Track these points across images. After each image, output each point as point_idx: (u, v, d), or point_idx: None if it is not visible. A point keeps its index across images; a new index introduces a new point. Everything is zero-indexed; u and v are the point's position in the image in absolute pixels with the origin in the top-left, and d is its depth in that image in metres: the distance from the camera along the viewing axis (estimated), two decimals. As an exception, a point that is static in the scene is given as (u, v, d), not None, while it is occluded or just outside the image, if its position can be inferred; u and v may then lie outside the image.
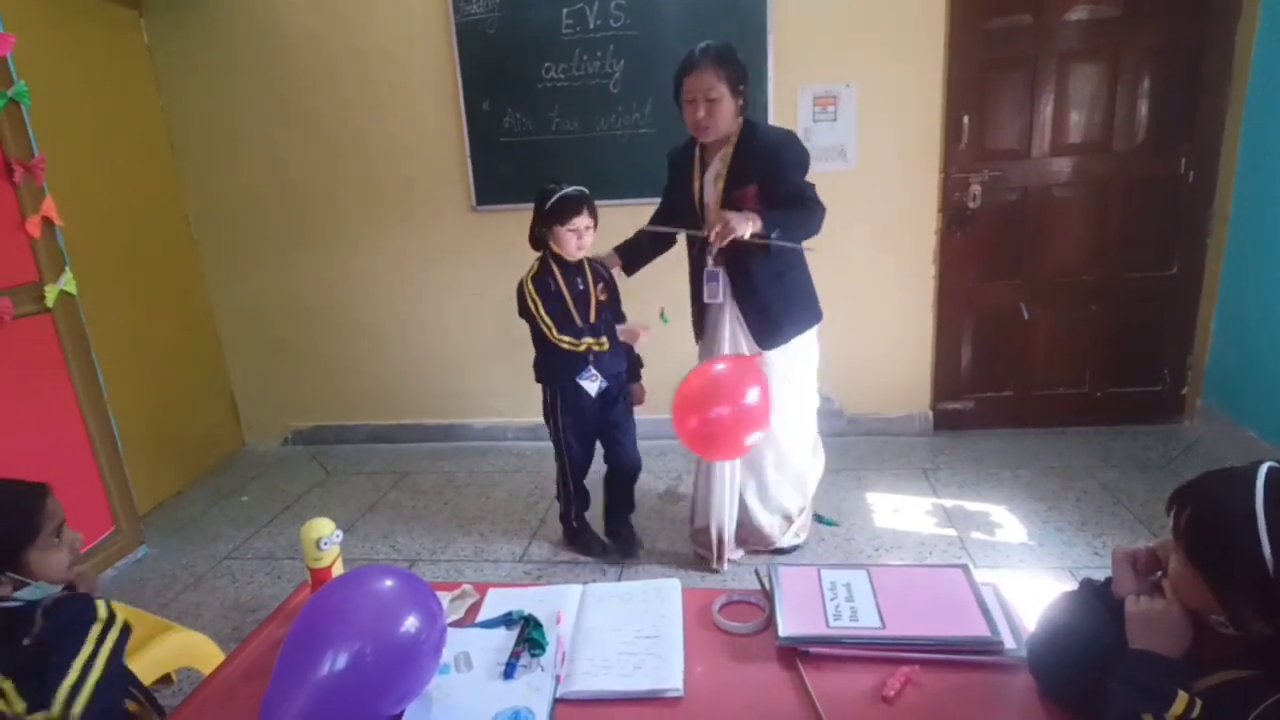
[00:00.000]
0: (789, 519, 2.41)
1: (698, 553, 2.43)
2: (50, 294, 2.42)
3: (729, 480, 2.28)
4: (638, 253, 2.41)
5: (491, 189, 3.28)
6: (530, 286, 2.22)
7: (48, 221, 2.42)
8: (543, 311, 2.20)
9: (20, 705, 1.00)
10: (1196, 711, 0.81)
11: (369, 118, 3.28)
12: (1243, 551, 0.80)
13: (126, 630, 1.16)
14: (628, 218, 3.18)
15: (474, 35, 3.10)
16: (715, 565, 2.35)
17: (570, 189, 2.16)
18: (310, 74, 3.26)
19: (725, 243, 1.95)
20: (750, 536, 2.41)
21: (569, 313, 2.22)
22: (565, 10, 3.03)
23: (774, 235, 1.98)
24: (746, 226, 1.94)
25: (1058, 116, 3.02)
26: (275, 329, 3.61)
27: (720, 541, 2.32)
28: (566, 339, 2.20)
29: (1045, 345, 3.27)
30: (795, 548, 2.44)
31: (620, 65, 3.05)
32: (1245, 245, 2.95)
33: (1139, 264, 3.14)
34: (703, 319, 2.31)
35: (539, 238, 2.23)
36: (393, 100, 3.25)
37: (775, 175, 2.03)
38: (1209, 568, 0.84)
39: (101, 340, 2.65)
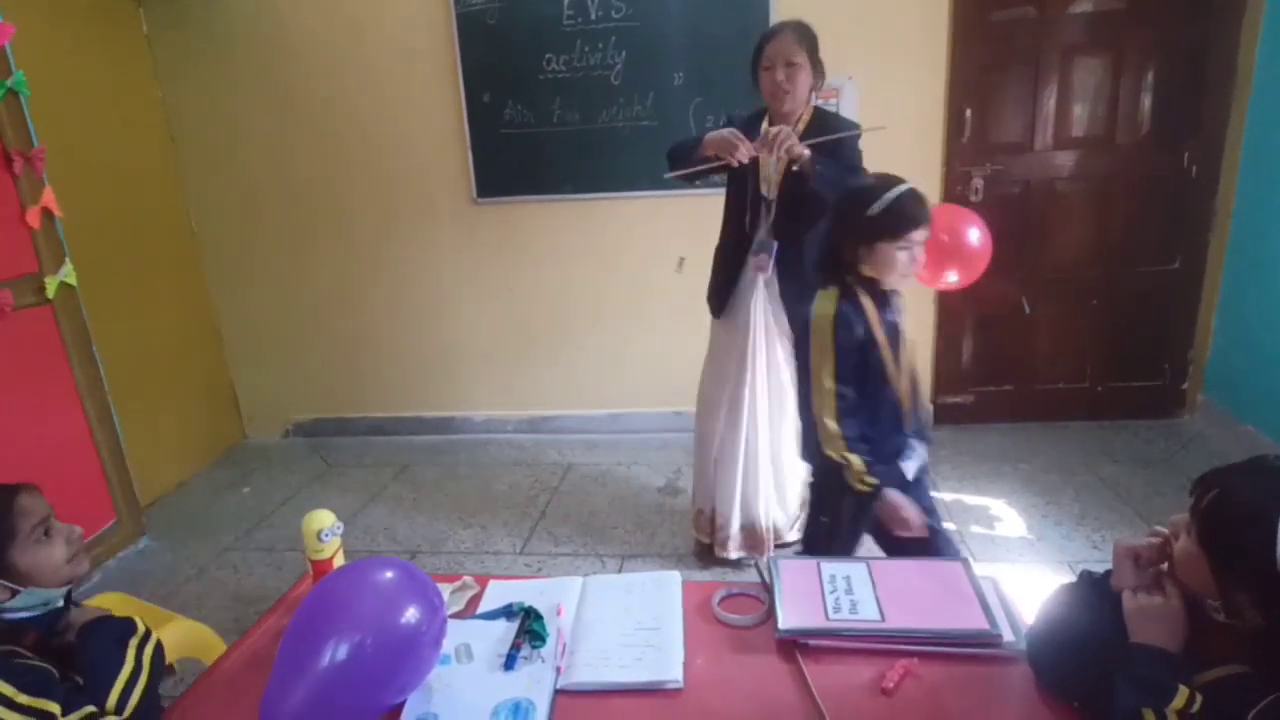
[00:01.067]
0: (792, 515, 2.41)
1: (741, 559, 2.34)
2: (51, 285, 2.42)
3: (760, 471, 2.27)
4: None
5: (492, 181, 3.27)
6: (829, 333, 1.51)
7: (47, 213, 2.42)
8: (826, 376, 1.51)
9: (55, 707, 0.98)
10: (1197, 706, 0.81)
11: (369, 109, 3.27)
12: (1254, 543, 0.80)
13: (160, 644, 1.17)
14: (630, 211, 3.20)
15: (475, 26, 3.08)
16: (768, 554, 2.31)
17: (903, 187, 1.47)
18: (310, 65, 3.24)
19: (783, 150, 1.89)
20: (752, 539, 2.34)
21: (880, 368, 1.53)
22: (566, 1, 3.01)
23: (819, 169, 1.92)
24: (801, 148, 1.90)
25: (1061, 110, 3.01)
26: (276, 321, 3.61)
27: (766, 530, 2.31)
28: (858, 464, 1.50)
29: (1046, 340, 3.27)
30: (796, 542, 2.43)
31: (622, 57, 3.04)
32: (1247, 241, 2.95)
33: (1141, 259, 3.14)
34: (727, 293, 2.21)
35: (844, 262, 1.54)
36: (393, 92, 3.24)
37: (839, 153, 2.01)
38: (1218, 551, 0.84)
39: (102, 332, 2.65)
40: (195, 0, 3.20)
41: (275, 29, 3.21)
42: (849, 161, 2.05)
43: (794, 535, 2.42)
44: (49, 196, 2.41)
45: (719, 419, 2.29)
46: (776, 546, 2.40)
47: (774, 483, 2.33)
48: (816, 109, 2.11)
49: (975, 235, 2.26)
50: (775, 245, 2.09)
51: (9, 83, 2.29)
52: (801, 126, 2.06)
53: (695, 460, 2.45)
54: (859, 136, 2.09)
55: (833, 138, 1.98)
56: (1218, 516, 0.85)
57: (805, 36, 2.03)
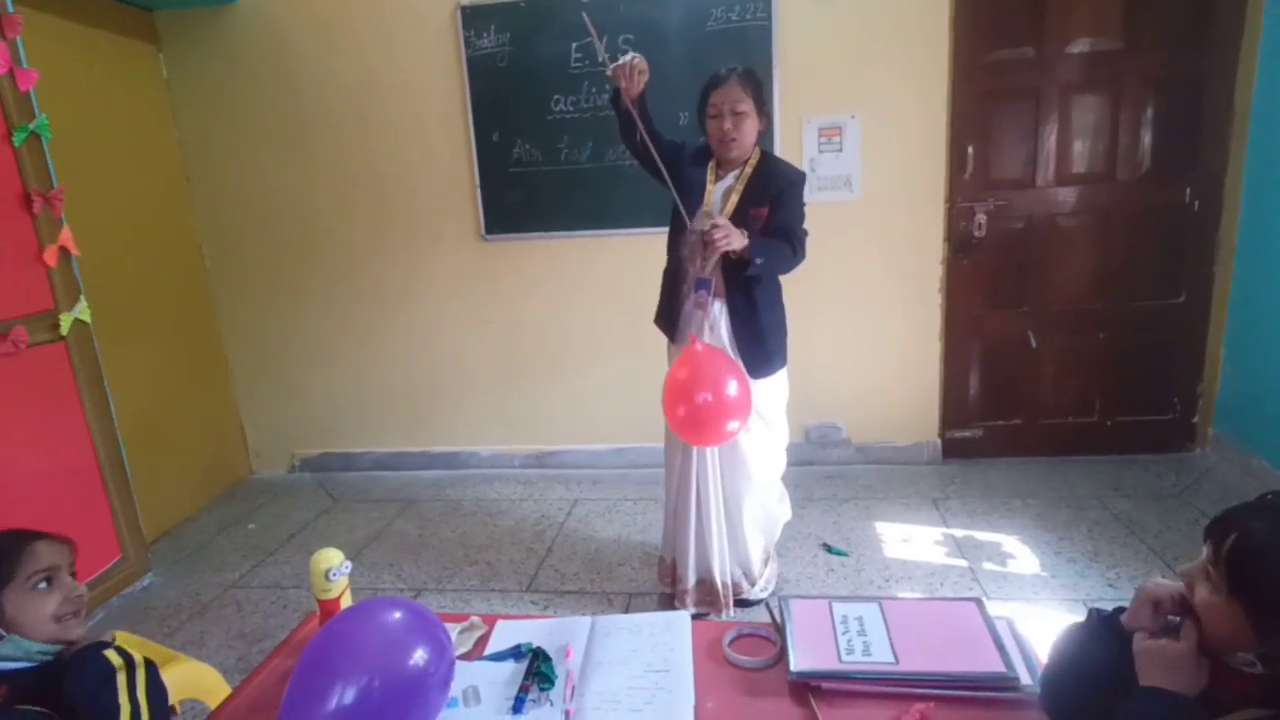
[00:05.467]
0: (751, 571, 2.28)
1: (698, 613, 2.22)
2: (65, 322, 2.45)
3: (716, 524, 2.18)
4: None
5: (500, 218, 3.32)
6: None
7: (65, 251, 2.46)
8: None
9: None
10: None
11: (381, 149, 3.34)
12: None
13: (151, 666, 1.13)
14: (637, 248, 3.23)
15: (484, 68, 3.16)
16: (726, 612, 2.22)
17: None
18: (323, 107, 3.32)
19: (720, 246, 1.92)
20: (708, 595, 2.24)
21: None
22: (574, 44, 3.09)
23: (758, 262, 1.97)
24: (741, 241, 1.94)
25: (1061, 147, 3.05)
26: (284, 357, 3.64)
27: (725, 587, 2.22)
28: None
29: (1053, 373, 3.26)
30: (759, 601, 2.30)
31: (642, 90, 3.09)
32: (1252, 273, 2.96)
33: (1146, 292, 3.14)
34: (674, 320, 2.20)
35: None
36: (404, 132, 3.31)
37: (783, 205, 2.05)
38: (1256, 599, 0.80)
39: (113, 368, 2.67)
40: (214, 45, 3.30)
41: (290, 72, 3.30)
42: (793, 209, 2.07)
43: (757, 594, 2.29)
44: (67, 236, 2.46)
45: (676, 467, 2.22)
46: (737, 604, 2.26)
47: (728, 537, 2.22)
48: (763, 154, 2.12)
49: (735, 386, 1.94)
50: (713, 281, 2.06)
51: (31, 126, 2.35)
52: (750, 169, 2.08)
53: (664, 507, 2.38)
54: (803, 184, 2.11)
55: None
56: (1247, 562, 0.81)
57: (751, 83, 2.04)
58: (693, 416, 1.90)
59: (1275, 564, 0.80)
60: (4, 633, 1.05)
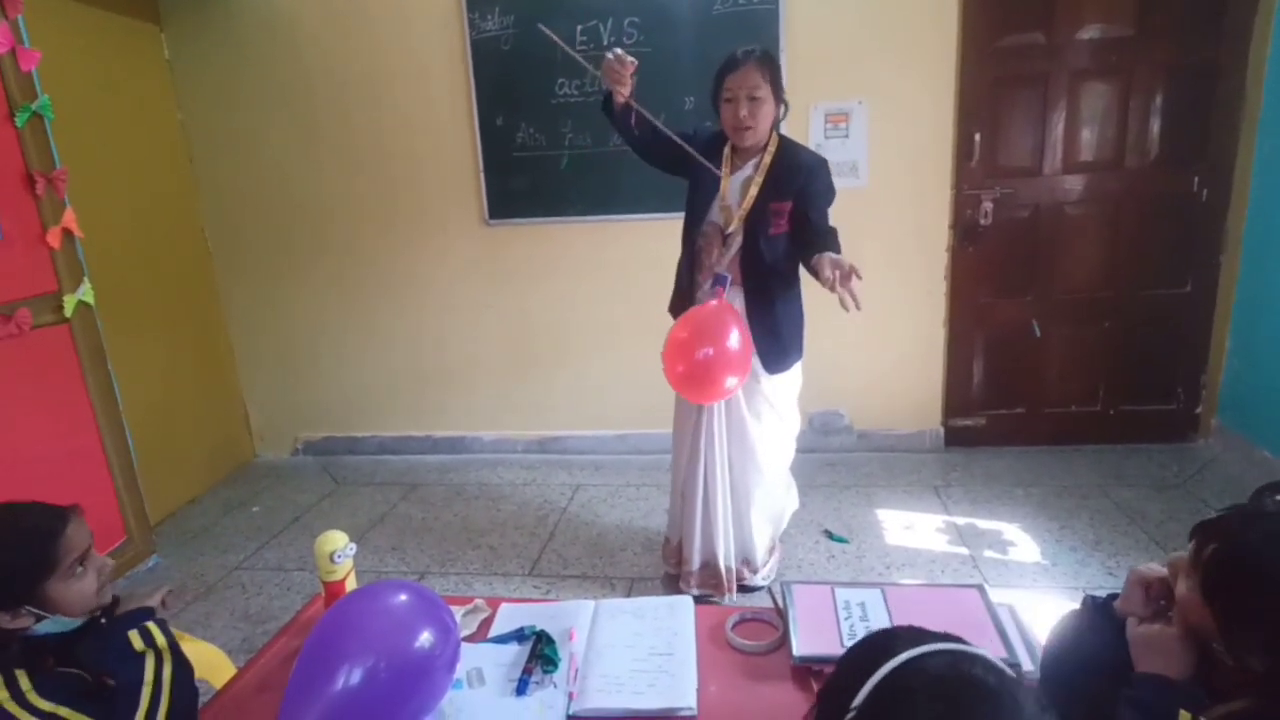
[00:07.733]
0: (754, 559, 2.28)
1: (700, 595, 2.23)
2: (68, 304, 2.45)
3: (722, 510, 2.18)
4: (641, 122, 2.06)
5: (504, 203, 3.31)
6: None
7: (68, 233, 2.45)
8: None
9: None
10: None
11: (383, 131, 3.32)
12: (1261, 605, 0.79)
13: (183, 666, 1.13)
14: (641, 233, 3.22)
15: (488, 51, 3.14)
16: (729, 595, 2.23)
17: None
18: (326, 88, 3.30)
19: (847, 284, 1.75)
20: (712, 578, 2.25)
21: None
22: (580, 27, 3.06)
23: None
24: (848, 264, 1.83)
25: (1070, 134, 3.03)
26: (287, 340, 3.64)
27: (729, 571, 2.23)
28: None
29: (1057, 362, 3.25)
30: (761, 587, 2.30)
31: (634, 82, 3.07)
32: (1259, 264, 2.94)
33: (1152, 281, 3.13)
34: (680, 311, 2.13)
35: None
36: (407, 115, 3.28)
37: (807, 197, 1.99)
38: (1224, 608, 0.82)
39: (117, 350, 2.67)
40: (216, 25, 3.27)
41: (293, 53, 3.27)
42: (822, 210, 2.02)
43: (760, 581, 2.29)
44: (69, 217, 2.45)
45: (684, 450, 2.22)
46: (738, 589, 2.27)
47: (734, 524, 2.22)
48: (782, 140, 2.06)
49: (735, 340, 1.91)
50: (728, 278, 2.02)
51: (34, 106, 2.34)
52: (769, 157, 2.02)
53: (670, 490, 2.38)
54: (833, 185, 2.05)
55: None
56: (1222, 574, 0.83)
57: (770, 67, 1.97)
58: (691, 372, 1.84)
59: (1249, 581, 0.81)
60: (46, 615, 1.07)
